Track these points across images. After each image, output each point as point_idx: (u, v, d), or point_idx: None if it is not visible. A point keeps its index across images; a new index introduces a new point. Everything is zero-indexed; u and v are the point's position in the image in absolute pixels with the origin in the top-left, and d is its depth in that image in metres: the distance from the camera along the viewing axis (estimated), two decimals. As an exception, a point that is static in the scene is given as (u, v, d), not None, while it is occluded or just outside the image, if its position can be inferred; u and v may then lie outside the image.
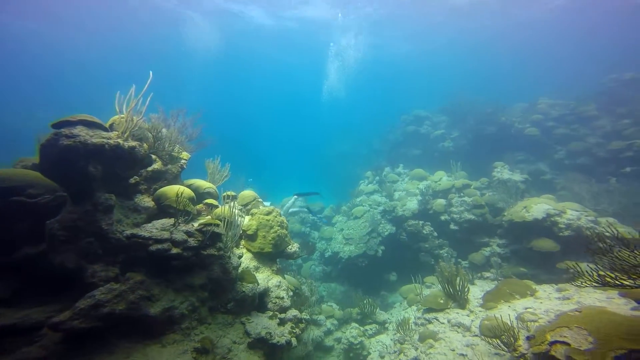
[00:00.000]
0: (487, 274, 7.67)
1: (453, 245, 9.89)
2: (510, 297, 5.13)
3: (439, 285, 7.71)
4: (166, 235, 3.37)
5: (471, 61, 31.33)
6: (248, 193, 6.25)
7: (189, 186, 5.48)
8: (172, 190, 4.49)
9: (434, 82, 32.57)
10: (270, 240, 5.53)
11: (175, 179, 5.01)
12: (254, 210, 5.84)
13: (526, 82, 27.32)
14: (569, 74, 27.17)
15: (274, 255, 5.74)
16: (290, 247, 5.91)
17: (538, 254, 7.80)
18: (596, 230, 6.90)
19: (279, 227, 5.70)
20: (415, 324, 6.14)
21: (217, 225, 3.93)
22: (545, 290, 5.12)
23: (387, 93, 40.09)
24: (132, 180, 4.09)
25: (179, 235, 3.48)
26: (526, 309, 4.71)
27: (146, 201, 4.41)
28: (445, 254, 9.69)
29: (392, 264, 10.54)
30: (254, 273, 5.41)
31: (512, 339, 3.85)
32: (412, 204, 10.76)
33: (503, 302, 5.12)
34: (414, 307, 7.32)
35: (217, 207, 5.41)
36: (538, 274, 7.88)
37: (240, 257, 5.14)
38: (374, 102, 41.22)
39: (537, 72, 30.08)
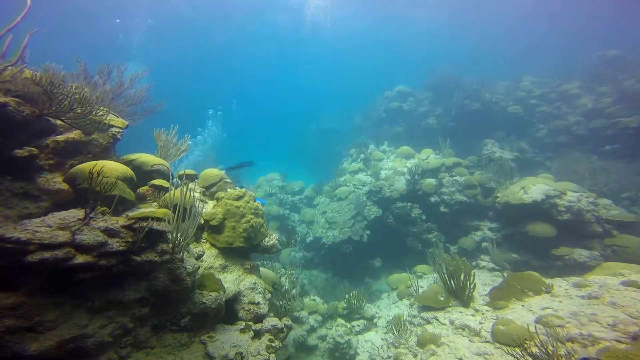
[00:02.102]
0: (483, 263, 7.11)
1: (441, 229, 9.30)
2: (522, 294, 4.46)
3: (433, 275, 7.07)
4: (63, 237, 2.09)
5: (456, 37, 30.44)
6: (212, 172, 4.95)
7: (129, 162, 4.08)
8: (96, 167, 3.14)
9: (418, 57, 31.48)
10: (241, 233, 4.36)
11: (105, 153, 3.61)
12: (220, 194, 4.59)
13: (512, 59, 26.84)
14: (558, 50, 26.89)
15: (246, 251, 4.60)
16: (267, 239, 4.80)
17: (532, 239, 7.34)
18: (596, 213, 6.45)
19: (253, 216, 4.52)
20: (411, 323, 5.41)
21: (159, 219, 2.69)
22: (561, 286, 4.50)
23: (369, 68, 38.54)
24: (21, 153, 2.67)
25: (89, 237, 2.21)
26: (543, 308, 4.04)
27: (54, 182, 3.03)
28: (434, 239, 9.10)
29: (377, 249, 9.84)
30: (221, 274, 4.27)
31: (545, 352, 3.10)
32: (400, 184, 9.95)
33: (515, 301, 4.44)
34: (406, 301, 6.63)
35: (168, 190, 4.11)
36: (529, 260, 7.47)
37: (199, 256, 3.95)
38: (355, 77, 39.58)
39: (524, 49, 29.66)
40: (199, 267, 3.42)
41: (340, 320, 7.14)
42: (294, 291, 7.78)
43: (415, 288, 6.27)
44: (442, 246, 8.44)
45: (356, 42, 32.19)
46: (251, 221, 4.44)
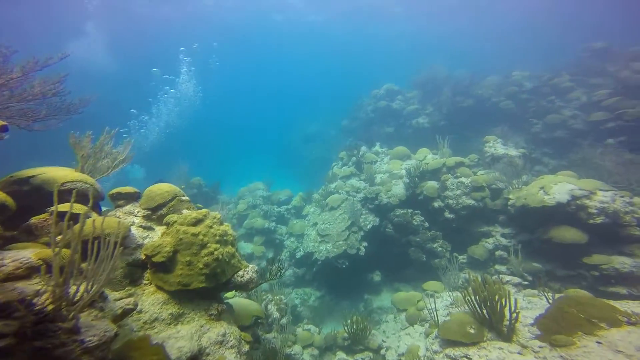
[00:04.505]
0: (506, 277, 6.05)
1: (447, 237, 8.26)
2: (591, 325, 3.37)
3: (452, 294, 5.97)
4: None
5: (440, 33, 30.08)
6: (161, 188, 3.67)
7: (22, 181, 2.79)
8: None
9: (400, 56, 31.02)
10: (201, 269, 3.11)
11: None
12: (172, 218, 3.33)
13: (499, 55, 26.47)
14: (544, 45, 26.67)
15: (211, 291, 3.35)
16: (241, 273, 3.55)
17: (554, 246, 6.38)
18: (636, 215, 5.53)
19: (218, 245, 3.28)
20: (432, 362, 4.25)
21: None
22: (644, 314, 3.45)
23: (353, 69, 37.81)
24: None
25: None
26: None
27: None
28: (439, 248, 8.05)
29: (376, 261, 8.72)
30: (172, 327, 2.99)
31: None
32: (398, 189, 8.89)
33: (583, 335, 3.33)
34: (419, 328, 5.48)
35: (89, 217, 2.84)
36: (553, 269, 6.52)
37: (128, 311, 2.65)
38: (340, 79, 38.77)
39: (510, 45, 29.34)
40: (115, 335, 2.15)
41: (340, 354, 5.93)
42: (283, 320, 6.54)
43: (430, 313, 5.13)
44: (453, 258, 7.40)
45: (340, 43, 31.47)
46: (215, 252, 3.19)
